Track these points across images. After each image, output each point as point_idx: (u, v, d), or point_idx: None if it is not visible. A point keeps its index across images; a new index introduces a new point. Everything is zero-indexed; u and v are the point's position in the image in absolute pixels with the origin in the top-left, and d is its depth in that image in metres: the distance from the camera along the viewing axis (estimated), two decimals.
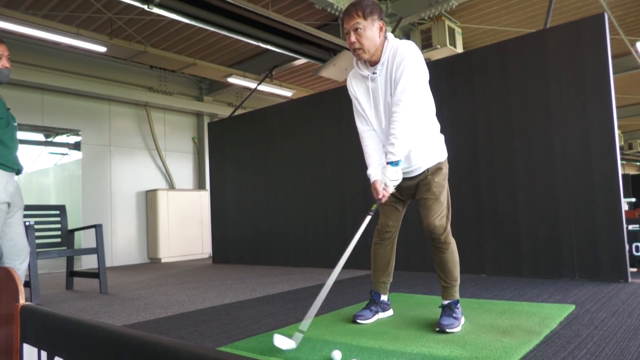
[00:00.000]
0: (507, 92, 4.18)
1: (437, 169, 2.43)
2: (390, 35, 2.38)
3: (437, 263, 2.43)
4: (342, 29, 2.33)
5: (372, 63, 2.36)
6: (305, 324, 2.10)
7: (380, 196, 2.29)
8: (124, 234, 7.62)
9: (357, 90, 2.46)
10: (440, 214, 2.37)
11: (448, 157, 2.52)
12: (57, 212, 4.74)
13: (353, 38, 2.29)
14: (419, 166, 2.40)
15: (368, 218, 2.32)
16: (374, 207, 2.35)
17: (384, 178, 2.28)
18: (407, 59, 2.24)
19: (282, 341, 2.04)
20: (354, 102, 2.49)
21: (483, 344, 2.04)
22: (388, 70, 2.31)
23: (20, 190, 2.82)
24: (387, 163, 2.27)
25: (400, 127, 2.23)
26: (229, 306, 3.36)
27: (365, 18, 2.27)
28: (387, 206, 2.55)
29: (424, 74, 2.33)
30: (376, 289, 2.64)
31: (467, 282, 3.81)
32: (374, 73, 2.35)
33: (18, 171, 2.79)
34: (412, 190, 2.48)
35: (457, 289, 2.42)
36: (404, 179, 2.39)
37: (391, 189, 2.31)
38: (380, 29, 2.31)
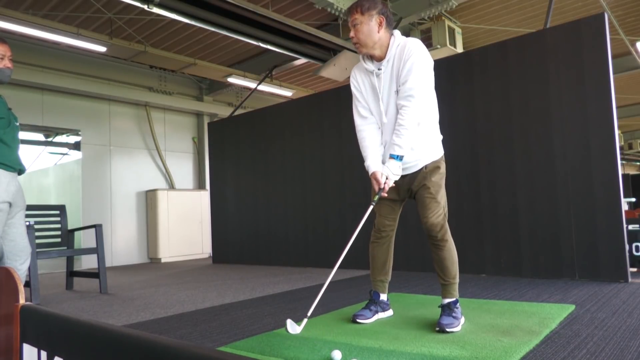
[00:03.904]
0: (507, 92, 4.18)
1: (435, 167, 2.44)
2: (397, 32, 2.42)
3: (436, 261, 2.46)
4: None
5: (378, 59, 2.41)
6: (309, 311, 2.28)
7: (382, 186, 2.34)
8: (124, 234, 7.62)
9: (361, 83, 2.50)
10: (437, 212, 2.40)
11: (447, 157, 2.53)
12: (57, 212, 4.75)
13: (352, 33, 2.39)
14: (417, 162, 2.43)
15: (370, 208, 2.43)
16: (375, 198, 2.41)
17: (386, 170, 2.34)
18: (414, 56, 2.30)
19: (292, 326, 2.25)
20: (356, 95, 2.52)
21: (483, 344, 2.04)
22: (394, 67, 2.35)
23: (22, 191, 2.81)
24: (391, 157, 2.32)
25: (409, 123, 2.29)
26: (229, 306, 3.37)
27: (362, 14, 2.35)
28: (383, 206, 2.55)
29: (431, 71, 2.38)
30: (375, 288, 2.65)
31: (467, 282, 3.81)
32: (379, 69, 2.39)
33: (20, 171, 2.79)
34: (409, 188, 2.49)
35: (456, 287, 2.43)
36: (401, 176, 2.42)
37: (391, 183, 2.36)
38: (380, 23, 2.35)
